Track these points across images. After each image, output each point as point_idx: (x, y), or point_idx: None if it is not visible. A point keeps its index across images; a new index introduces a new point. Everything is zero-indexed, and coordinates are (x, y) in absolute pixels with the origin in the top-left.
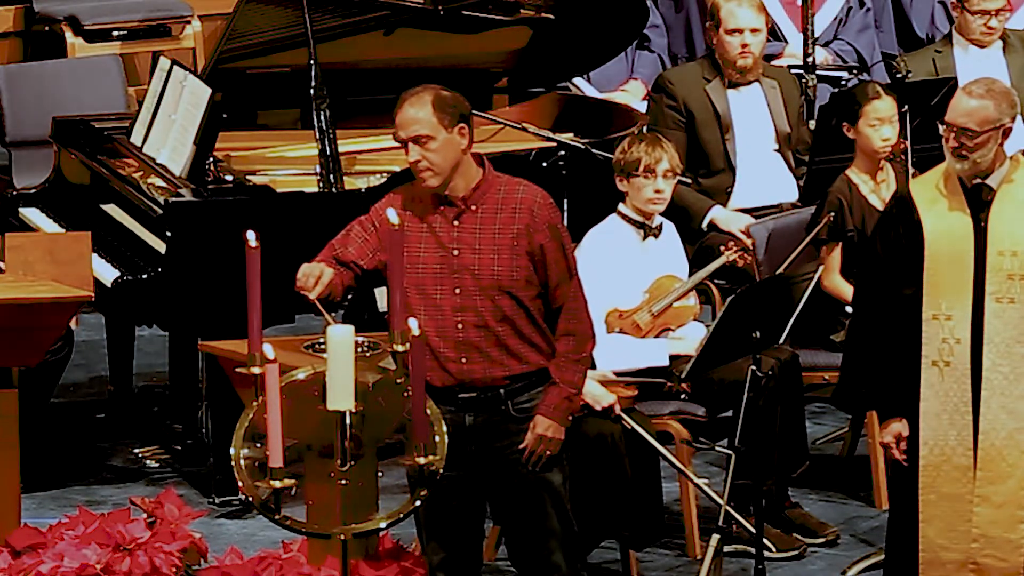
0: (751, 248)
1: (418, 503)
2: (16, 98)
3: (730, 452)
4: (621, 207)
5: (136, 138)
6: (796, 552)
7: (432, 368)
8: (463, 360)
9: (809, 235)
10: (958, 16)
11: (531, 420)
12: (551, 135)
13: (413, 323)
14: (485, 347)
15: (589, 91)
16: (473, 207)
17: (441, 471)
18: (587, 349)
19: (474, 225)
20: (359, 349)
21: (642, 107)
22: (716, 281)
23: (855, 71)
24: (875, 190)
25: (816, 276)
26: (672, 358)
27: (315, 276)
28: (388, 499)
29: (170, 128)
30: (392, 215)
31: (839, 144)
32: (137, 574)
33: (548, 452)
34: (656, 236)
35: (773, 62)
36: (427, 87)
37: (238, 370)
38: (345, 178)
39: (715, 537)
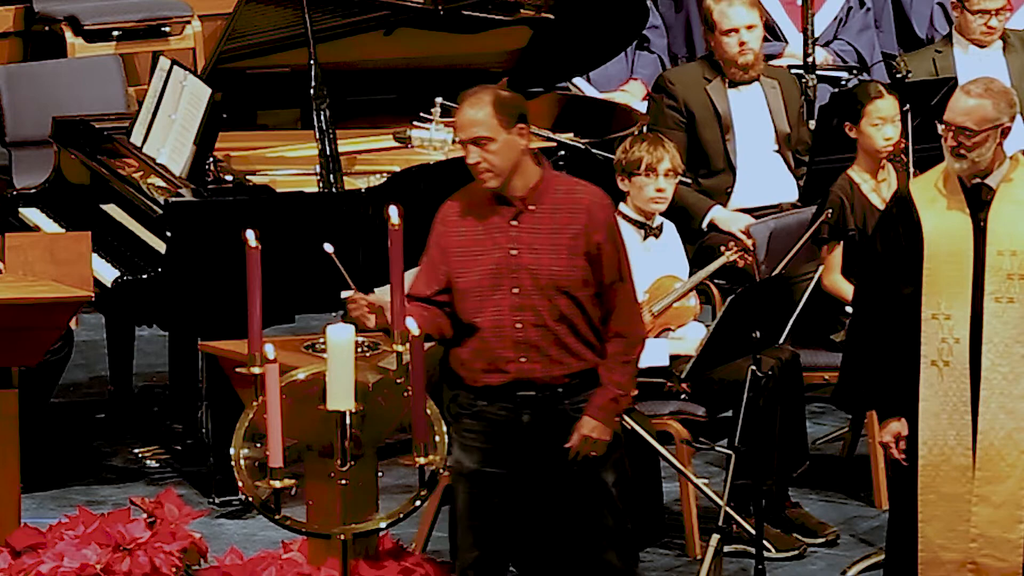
0: (751, 248)
1: (418, 503)
2: (16, 98)
3: (730, 452)
4: (622, 207)
5: (136, 138)
6: (796, 552)
7: (489, 367)
8: (522, 359)
9: (807, 232)
10: (958, 16)
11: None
12: (551, 135)
13: (412, 324)
14: (544, 346)
15: (589, 91)
16: (531, 207)
17: (489, 468)
18: (637, 352)
19: (532, 224)
20: (359, 349)
21: (642, 107)
22: (716, 281)
23: (855, 71)
24: (876, 189)
25: (816, 276)
26: (672, 358)
27: (362, 304)
28: (388, 499)
29: (170, 128)
30: (393, 215)
31: (839, 144)
32: (137, 574)
33: (593, 453)
34: (656, 236)
35: (773, 62)
36: (486, 87)
37: (238, 370)
38: (345, 178)
39: (715, 537)
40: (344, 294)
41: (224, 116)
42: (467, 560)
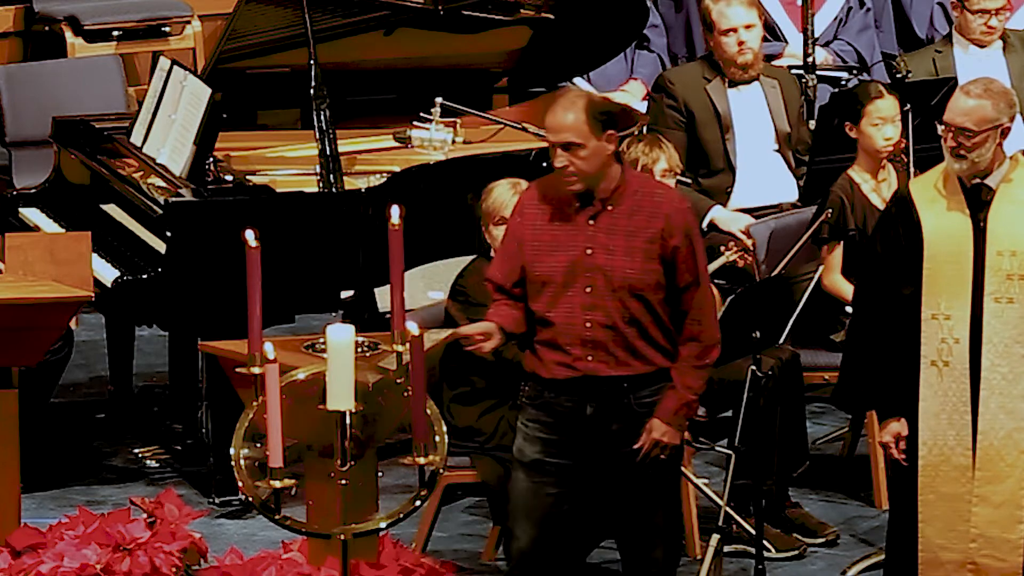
0: (751, 248)
1: (418, 503)
2: (16, 98)
3: (730, 452)
4: None
5: (136, 138)
6: (796, 552)
7: (556, 362)
8: (589, 358)
9: (807, 232)
10: (958, 16)
11: (650, 417)
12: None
13: (412, 324)
14: (612, 347)
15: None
16: (610, 207)
17: (551, 458)
18: (711, 356)
19: (609, 225)
20: (359, 349)
21: (642, 107)
22: (716, 281)
23: (855, 71)
24: (876, 189)
25: (816, 276)
26: None
27: (473, 336)
28: (388, 499)
29: (170, 128)
30: (394, 215)
31: (840, 144)
32: (137, 574)
33: (662, 456)
34: None
35: (773, 62)
36: (580, 92)
37: (238, 370)
38: (345, 178)
39: (715, 537)
40: (344, 294)
41: (224, 116)
42: (521, 547)
